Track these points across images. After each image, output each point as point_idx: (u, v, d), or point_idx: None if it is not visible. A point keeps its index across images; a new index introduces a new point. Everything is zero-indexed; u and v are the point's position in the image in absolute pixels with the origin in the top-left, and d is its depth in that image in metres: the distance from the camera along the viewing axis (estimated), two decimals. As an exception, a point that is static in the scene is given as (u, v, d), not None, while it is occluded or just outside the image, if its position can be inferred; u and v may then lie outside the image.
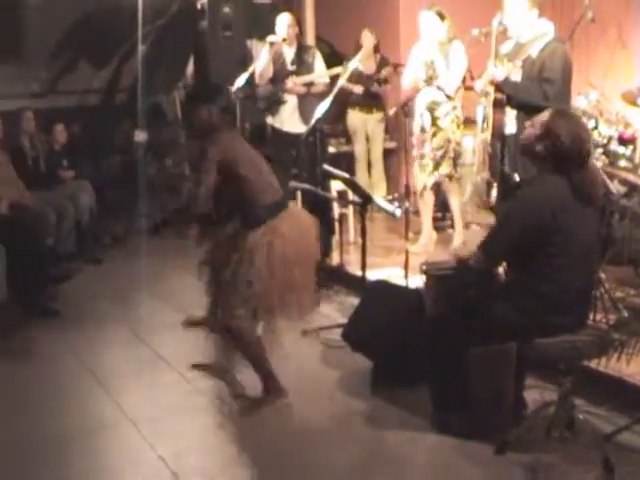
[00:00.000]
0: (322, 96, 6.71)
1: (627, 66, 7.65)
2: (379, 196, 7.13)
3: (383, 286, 5.35)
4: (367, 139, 8.79)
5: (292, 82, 7.37)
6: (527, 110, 5.24)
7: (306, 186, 6.34)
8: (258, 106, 7.60)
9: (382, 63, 8.56)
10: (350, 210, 7.46)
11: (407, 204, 6.47)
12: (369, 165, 8.87)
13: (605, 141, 5.95)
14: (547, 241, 3.85)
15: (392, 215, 5.91)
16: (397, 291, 5.29)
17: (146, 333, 5.80)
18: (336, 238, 6.95)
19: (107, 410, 4.70)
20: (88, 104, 9.90)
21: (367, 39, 8.38)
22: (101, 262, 7.83)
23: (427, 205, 7.22)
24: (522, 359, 4.16)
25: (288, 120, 7.45)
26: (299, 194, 6.87)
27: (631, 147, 5.94)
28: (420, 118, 7.00)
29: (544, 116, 3.96)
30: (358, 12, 9.30)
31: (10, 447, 4.30)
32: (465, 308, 4.14)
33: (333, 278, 6.58)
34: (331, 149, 8.77)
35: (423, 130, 7.00)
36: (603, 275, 4.99)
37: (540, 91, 5.37)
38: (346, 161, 8.74)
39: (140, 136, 8.54)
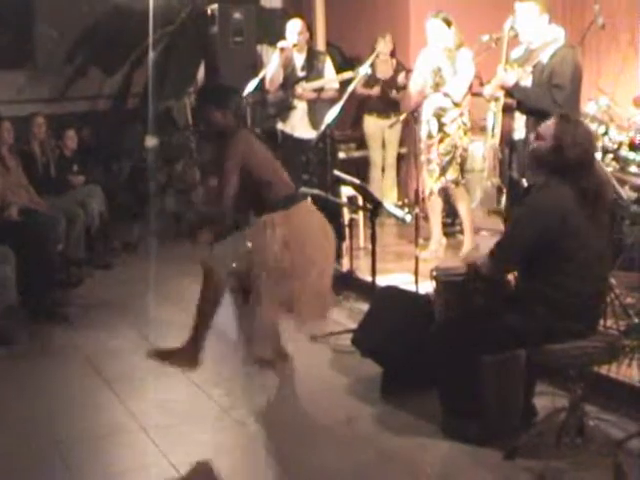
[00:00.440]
0: (332, 102, 6.72)
1: (638, 72, 7.63)
2: (390, 202, 7.12)
3: (393, 292, 5.35)
4: (383, 145, 8.80)
5: (302, 88, 7.39)
6: (537, 116, 5.24)
7: (316, 192, 6.34)
8: (268, 112, 7.61)
9: (398, 68, 8.58)
10: (360, 216, 7.46)
11: (417, 210, 6.47)
12: (382, 170, 8.88)
13: (616, 147, 5.92)
14: (557, 246, 3.85)
15: (402, 221, 5.91)
16: (407, 297, 5.28)
17: (156, 338, 5.80)
18: (346, 244, 6.95)
19: (117, 415, 4.70)
20: (99, 110, 9.94)
21: (381, 44, 8.40)
22: (111, 267, 7.86)
23: (435, 210, 7.21)
24: (532, 365, 4.14)
25: (298, 126, 7.45)
26: (309, 200, 6.86)
27: (642, 153, 5.92)
28: (427, 124, 7.00)
29: (550, 126, 3.95)
30: (369, 18, 9.32)
31: (20, 451, 4.30)
32: (475, 314, 4.13)
33: (343, 284, 6.58)
34: (341, 155, 8.78)
35: (430, 136, 6.99)
36: (613, 281, 4.96)
37: (550, 97, 5.37)
38: (356, 167, 8.73)
39: (151, 141, 8.57)
